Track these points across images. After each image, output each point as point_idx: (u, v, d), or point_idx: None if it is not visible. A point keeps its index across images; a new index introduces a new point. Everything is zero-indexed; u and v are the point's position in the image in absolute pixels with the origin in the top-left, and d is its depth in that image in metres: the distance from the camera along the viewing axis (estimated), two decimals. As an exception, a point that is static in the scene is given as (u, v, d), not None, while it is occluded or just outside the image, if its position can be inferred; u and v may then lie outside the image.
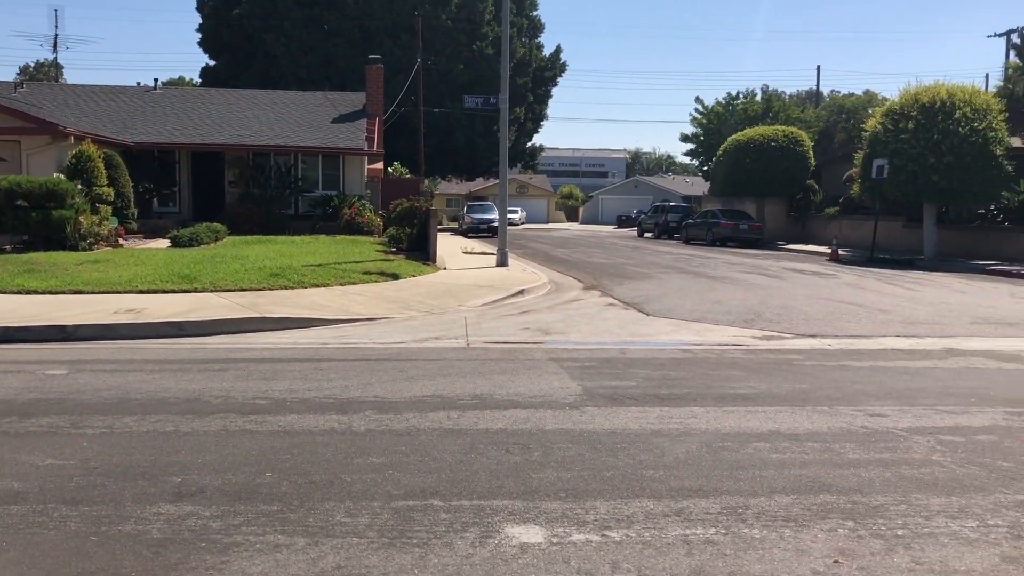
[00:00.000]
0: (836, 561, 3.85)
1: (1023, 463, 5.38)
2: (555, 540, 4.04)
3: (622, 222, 68.02)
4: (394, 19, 47.69)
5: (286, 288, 13.51)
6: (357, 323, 11.17)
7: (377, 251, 20.82)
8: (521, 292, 15.05)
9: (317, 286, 13.91)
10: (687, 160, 62.53)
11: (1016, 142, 26.48)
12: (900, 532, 4.21)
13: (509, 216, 36.34)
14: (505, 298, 14.25)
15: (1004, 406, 6.97)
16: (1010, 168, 24.46)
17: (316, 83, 44.71)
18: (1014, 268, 21.42)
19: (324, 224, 27.83)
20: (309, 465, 5.12)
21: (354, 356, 8.89)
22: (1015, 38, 29.32)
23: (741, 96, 51.72)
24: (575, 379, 7.75)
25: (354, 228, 27.47)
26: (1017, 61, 28.46)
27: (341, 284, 14.31)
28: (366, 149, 30.25)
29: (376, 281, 15.07)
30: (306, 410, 6.44)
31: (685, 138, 52.21)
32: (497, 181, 25.62)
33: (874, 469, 5.21)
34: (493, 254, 21.93)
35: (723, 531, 4.18)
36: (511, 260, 21.44)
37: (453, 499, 4.57)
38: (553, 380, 7.70)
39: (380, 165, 35.19)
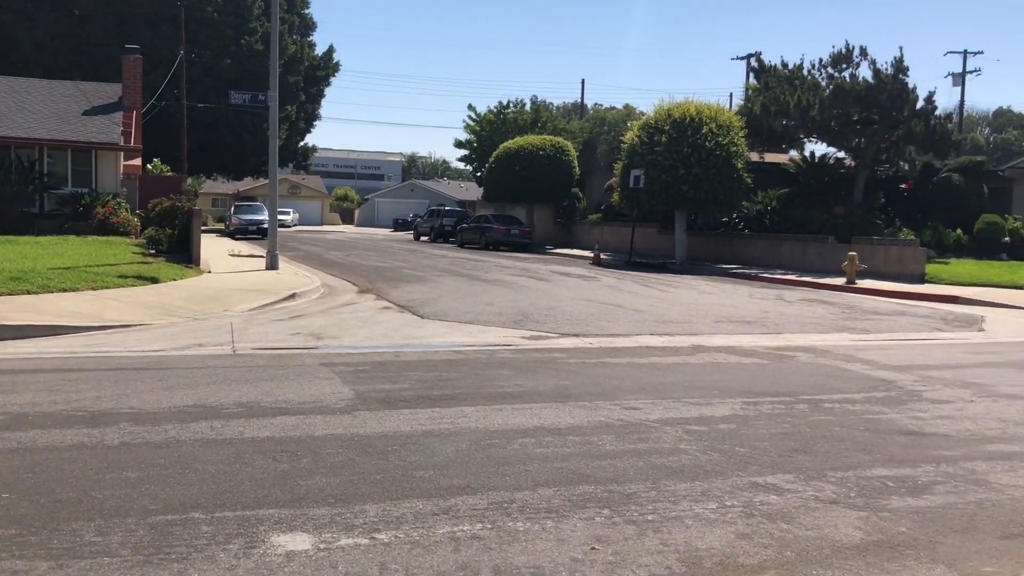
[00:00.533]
0: (593, 548, 4.08)
1: (757, 448, 5.94)
2: (323, 546, 4.00)
3: (398, 225, 68.02)
4: (154, 8, 44.94)
5: (29, 293, 12.37)
6: (112, 330, 10.43)
7: (134, 253, 19.53)
8: (292, 296, 14.68)
9: (66, 291, 12.85)
10: (462, 165, 63.59)
11: (754, 157, 29.14)
12: (651, 517, 4.53)
13: (280, 217, 35.34)
14: (275, 302, 13.85)
15: (742, 397, 7.66)
16: (749, 180, 26.90)
17: (66, 72, 41.23)
18: (752, 271, 23.59)
19: (74, 224, 25.73)
20: (54, 483, 4.74)
21: (108, 365, 8.30)
22: (753, 62, 32.24)
23: (512, 105, 53.23)
24: (347, 384, 7.67)
25: (108, 228, 25.61)
26: (755, 83, 31.32)
27: (93, 288, 13.30)
28: (122, 144, 28.29)
29: (133, 285, 14.14)
30: (51, 424, 5.94)
31: (459, 144, 52.98)
32: (267, 181, 24.79)
33: (628, 459, 5.56)
34: (262, 257, 21.24)
35: (489, 526, 4.31)
36: (282, 263, 20.86)
37: (216, 511, 4.39)
38: (325, 385, 7.59)
39: (138, 161, 33.01)
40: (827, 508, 4.77)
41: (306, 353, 9.41)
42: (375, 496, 4.70)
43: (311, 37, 55.36)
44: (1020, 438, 6.48)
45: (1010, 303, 16.67)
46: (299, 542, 4.03)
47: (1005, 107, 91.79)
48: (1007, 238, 27.18)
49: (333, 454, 5.47)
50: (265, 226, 28.92)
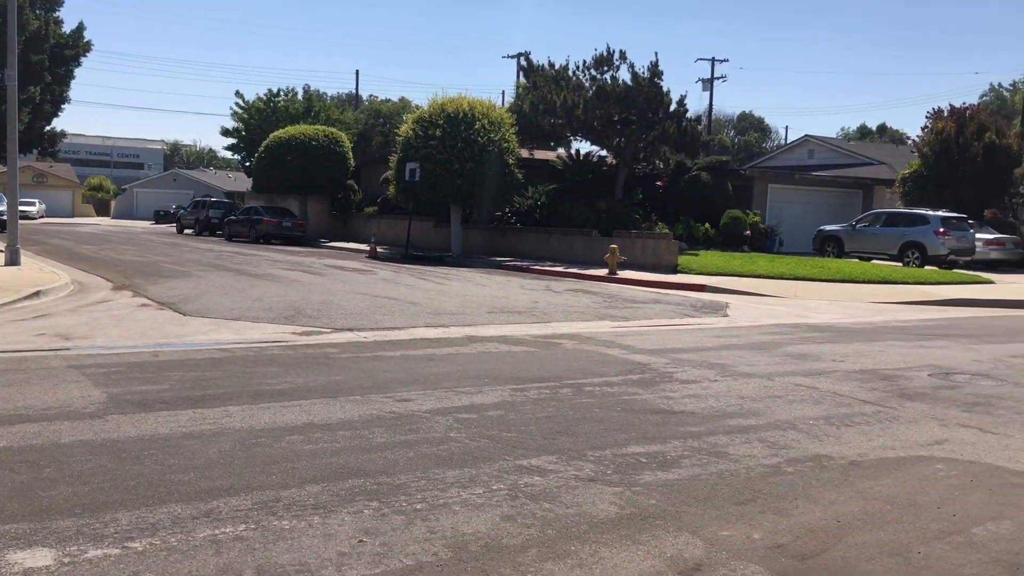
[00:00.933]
0: (361, 541, 4.08)
1: (523, 432, 6.16)
2: (67, 560, 3.72)
3: (160, 217, 64.14)
4: None
5: None
6: None
7: None
8: (36, 294, 13.48)
9: None
10: (230, 155, 60.88)
11: (525, 153, 30.09)
12: (419, 506, 4.58)
13: (23, 208, 32.29)
14: (16, 301, 12.66)
15: (511, 384, 7.91)
16: (521, 176, 27.76)
17: None
18: (524, 263, 24.39)
19: None
20: None
21: None
22: (523, 61, 33.23)
23: (283, 93, 51.67)
24: (99, 386, 7.16)
25: None
26: (525, 82, 32.30)
27: None
28: None
29: None
30: None
31: (226, 132, 50.70)
32: (6, 168, 22.55)
33: (399, 450, 5.60)
34: (1, 251, 19.32)
35: (253, 526, 4.19)
36: (25, 259, 19.10)
37: (-61, 532, 3.97)
38: (73, 389, 7.04)
39: None
40: (586, 486, 5.04)
41: (52, 355, 8.68)
42: (129, 503, 4.43)
43: (57, 13, 50.82)
44: (756, 412, 7.15)
45: (750, 291, 18.31)
46: (39, 558, 3.73)
47: (747, 111, 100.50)
48: (748, 231, 29.79)
49: (81, 461, 5.09)
50: (4, 218, 26.31)
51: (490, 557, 3.96)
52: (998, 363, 10.23)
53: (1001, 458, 6.07)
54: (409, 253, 28.10)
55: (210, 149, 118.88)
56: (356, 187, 39.70)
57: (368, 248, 28.64)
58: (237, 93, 51.29)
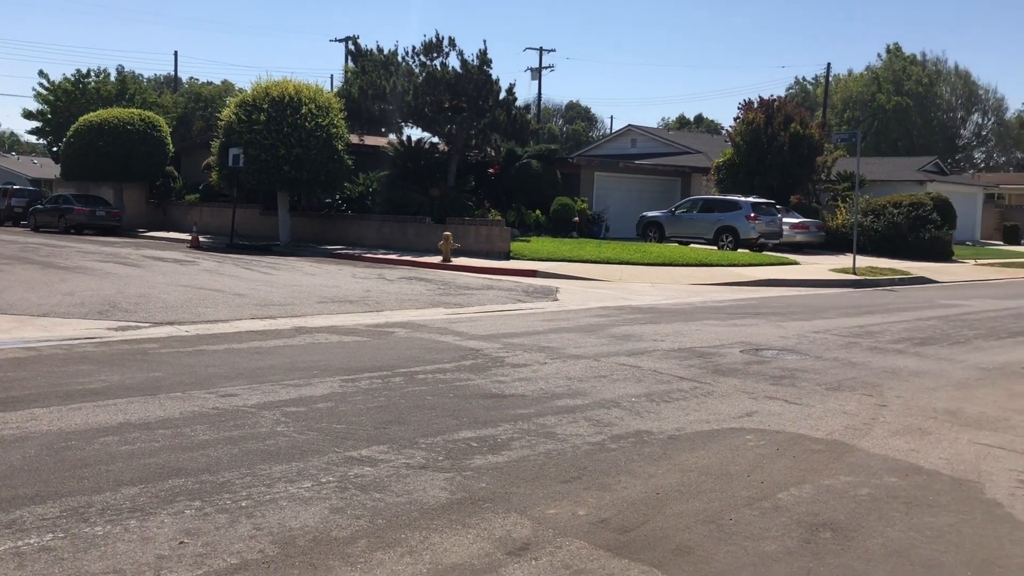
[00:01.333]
0: (182, 542, 3.92)
1: (353, 423, 6.10)
2: None
3: (-47, 207, 58.80)
4: None
5: None
6: None
7: None
8: None
9: None
10: (34, 139, 56.59)
11: (355, 139, 29.63)
12: (244, 503, 4.45)
13: None
14: None
15: (341, 375, 7.80)
16: (351, 162, 27.32)
17: None
18: (356, 251, 24.06)
19: None
20: None
21: None
22: (351, 45, 32.69)
23: (94, 74, 48.46)
24: None
25: None
26: (353, 66, 31.77)
27: None
28: None
29: None
30: None
31: (29, 115, 47.01)
32: None
33: (223, 447, 5.41)
34: None
35: (62, 535, 3.94)
36: None
37: None
38: None
39: None
40: (417, 474, 5.05)
41: None
42: (-84, 520, 4.06)
43: None
44: (582, 393, 7.38)
45: (579, 275, 18.86)
46: None
47: (575, 101, 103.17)
48: (576, 218, 30.64)
49: None
50: None
51: (319, 550, 3.90)
52: (802, 338, 11.02)
53: (804, 426, 6.55)
54: (234, 242, 27.10)
55: (11, 133, 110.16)
56: (176, 174, 37.84)
57: (190, 237, 27.42)
58: (41, 73, 47.87)
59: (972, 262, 28.78)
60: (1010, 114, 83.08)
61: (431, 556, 3.90)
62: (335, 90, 33.11)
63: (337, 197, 29.39)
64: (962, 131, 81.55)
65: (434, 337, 10.19)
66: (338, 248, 25.57)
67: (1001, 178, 62.70)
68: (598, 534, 4.25)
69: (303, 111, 25.91)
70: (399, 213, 27.26)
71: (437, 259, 21.53)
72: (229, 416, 6.18)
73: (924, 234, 28.89)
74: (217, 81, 72.69)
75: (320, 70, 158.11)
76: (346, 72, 36.71)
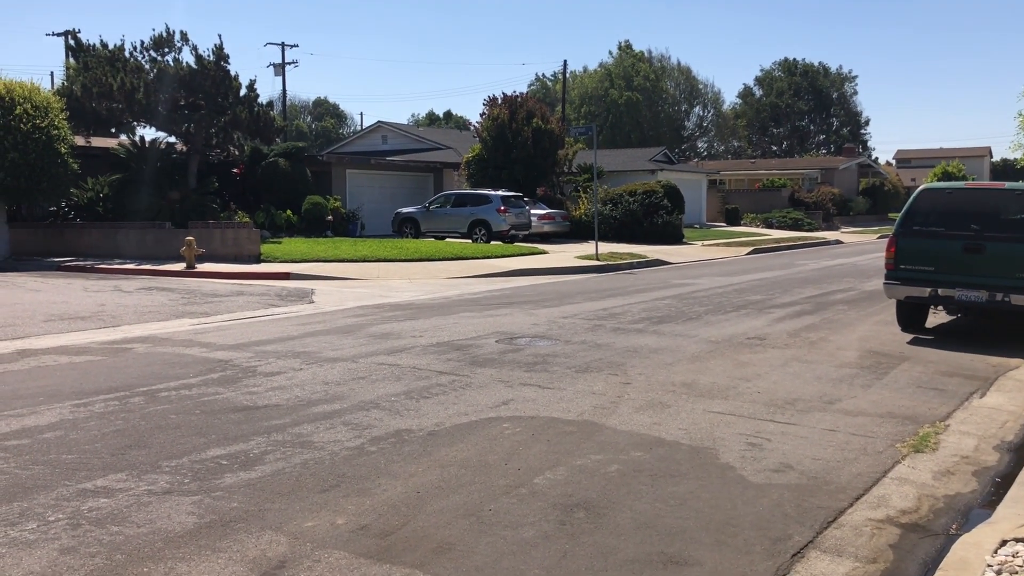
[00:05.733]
0: None
1: (86, 452, 5.57)
2: None
3: None
4: None
5: None
6: None
7: None
8: None
9: None
10: None
11: (81, 141, 27.26)
12: (-47, 556, 3.92)
13: None
14: None
15: (72, 400, 7.12)
16: (77, 166, 25.08)
17: None
18: (88, 263, 22.16)
19: None
20: None
21: None
22: (71, 40, 30.02)
23: None
24: None
25: None
26: (75, 62, 29.22)
27: None
28: None
29: None
30: None
31: None
32: None
33: (-74, 495, 4.75)
34: None
35: None
36: None
37: None
38: None
39: None
40: (161, 500, 4.70)
41: None
42: None
43: None
44: (340, 397, 7.22)
45: (335, 275, 18.50)
46: None
47: (323, 97, 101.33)
48: (330, 216, 30.05)
49: None
50: None
51: (45, 600, 3.52)
52: (552, 324, 11.46)
53: (557, 410, 6.79)
54: (-58, 259, 24.07)
55: None
56: None
57: None
58: None
59: (700, 243, 31.33)
60: (727, 106, 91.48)
61: (178, 589, 3.63)
62: (55, 88, 30.26)
63: (64, 204, 26.91)
64: (686, 123, 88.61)
65: (178, 351, 9.57)
66: (67, 260, 23.42)
67: (721, 165, 68.79)
68: (358, 542, 4.15)
69: (17, 111, 23.41)
70: (136, 219, 25.41)
71: (180, 266, 20.30)
72: (-67, 458, 5.44)
73: (657, 219, 31.06)
74: (-91, 78, 64.18)
75: (36, 67, 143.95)
76: (67, 69, 33.62)
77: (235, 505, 4.62)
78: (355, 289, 16.49)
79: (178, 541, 4.13)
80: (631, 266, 22.27)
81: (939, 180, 51.56)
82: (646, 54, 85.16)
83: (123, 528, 4.28)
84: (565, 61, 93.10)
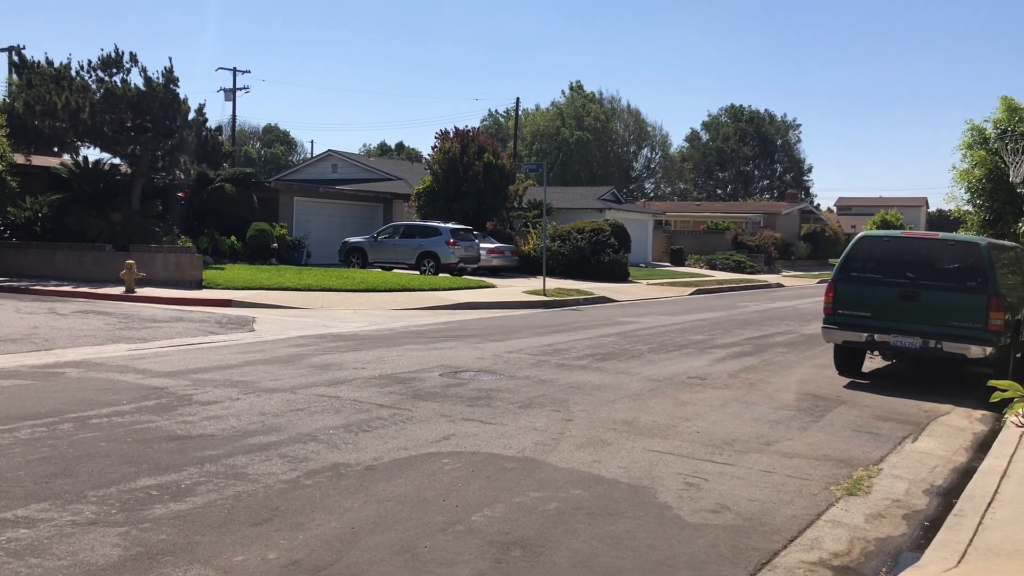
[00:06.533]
0: None
1: (8, 480, 5.37)
2: None
3: None
4: None
5: None
6: None
7: None
8: None
9: None
10: None
11: (20, 159, 26.64)
12: None
13: None
14: None
15: (-3, 425, 6.88)
16: (15, 184, 24.48)
17: None
18: (23, 284, 21.56)
19: None
20: None
21: None
22: (15, 56, 29.42)
23: None
24: None
25: None
26: (18, 79, 28.62)
27: None
28: None
29: None
30: None
31: None
32: None
33: None
34: None
35: None
36: None
37: None
38: None
39: None
40: (85, 531, 4.54)
41: None
42: None
43: None
44: (277, 428, 7.09)
45: (278, 304, 18.26)
46: None
47: (273, 124, 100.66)
48: (275, 244, 29.73)
49: None
50: None
51: (-45, 635, 3.37)
52: (497, 359, 11.44)
53: (498, 446, 6.76)
54: None
55: None
56: None
57: None
58: None
59: (645, 282, 31.67)
60: (674, 149, 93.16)
61: (97, 625, 3.50)
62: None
63: (0, 224, 26.21)
64: (635, 163, 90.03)
65: (112, 376, 9.33)
66: (1, 281, 22.76)
67: (667, 206, 69.84)
68: (289, 578, 4.06)
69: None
70: (75, 240, 24.82)
71: (120, 290, 19.85)
72: None
73: (604, 257, 31.35)
74: None
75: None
76: (10, 85, 32.91)
77: (163, 537, 4.49)
78: (298, 319, 16.29)
79: (101, 574, 3.99)
80: (577, 302, 22.40)
81: (878, 228, 53.05)
82: (597, 95, 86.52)
83: (43, 560, 4.12)
84: (518, 99, 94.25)
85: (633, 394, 9.27)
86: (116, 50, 26.07)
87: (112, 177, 27.55)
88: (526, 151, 74.45)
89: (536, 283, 25.46)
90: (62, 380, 9.07)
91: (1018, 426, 3.68)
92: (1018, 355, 11.45)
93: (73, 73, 26.16)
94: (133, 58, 26.17)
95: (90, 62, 26.18)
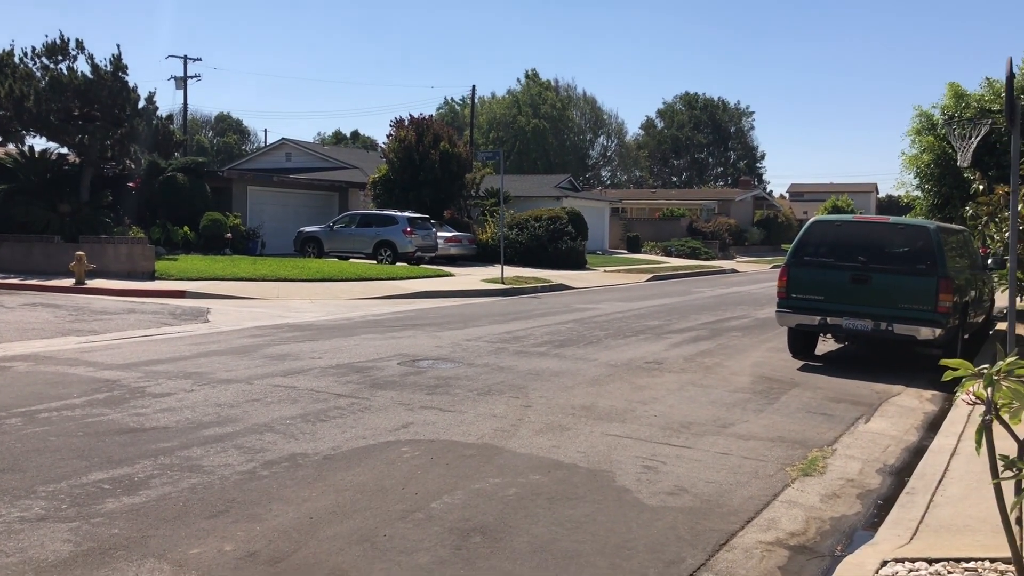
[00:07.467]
0: None
1: (-46, 476, 5.24)
2: None
3: None
4: None
5: None
6: None
7: None
8: None
9: None
10: None
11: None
12: None
13: None
14: None
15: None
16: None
17: None
18: (-32, 277, 21.01)
19: None
20: None
21: None
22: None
23: None
24: None
25: None
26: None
27: None
28: None
29: None
30: None
31: None
32: None
33: None
34: None
35: None
36: None
37: None
38: None
39: None
40: (34, 527, 4.44)
41: None
42: None
43: None
44: (233, 419, 7.00)
45: (233, 294, 18.02)
46: None
47: (226, 112, 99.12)
48: (229, 234, 29.32)
49: None
50: None
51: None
52: (456, 347, 11.41)
53: (457, 433, 6.74)
54: None
55: None
56: None
57: None
58: None
59: (602, 269, 31.82)
60: (630, 137, 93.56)
61: (48, 622, 3.43)
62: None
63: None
64: (591, 151, 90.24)
65: (62, 369, 9.13)
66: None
67: (623, 194, 70.20)
68: (246, 569, 4.01)
69: None
70: (21, 231, 24.24)
71: (70, 282, 19.44)
72: None
73: (562, 245, 31.43)
74: None
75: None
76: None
77: (116, 532, 4.41)
78: (253, 309, 16.10)
79: (51, 570, 3.91)
80: (535, 290, 22.43)
81: (829, 213, 53.83)
82: (553, 83, 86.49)
83: (-9, 558, 4.02)
84: (474, 86, 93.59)
85: (591, 379, 9.31)
86: (61, 37, 25.45)
87: (60, 167, 26.93)
88: (483, 139, 74.23)
89: (494, 271, 25.45)
90: (9, 374, 8.85)
91: (969, 403, 3.76)
92: (965, 336, 11.71)
93: (16, 60, 25.48)
94: (80, 45, 25.57)
95: (34, 49, 25.55)
